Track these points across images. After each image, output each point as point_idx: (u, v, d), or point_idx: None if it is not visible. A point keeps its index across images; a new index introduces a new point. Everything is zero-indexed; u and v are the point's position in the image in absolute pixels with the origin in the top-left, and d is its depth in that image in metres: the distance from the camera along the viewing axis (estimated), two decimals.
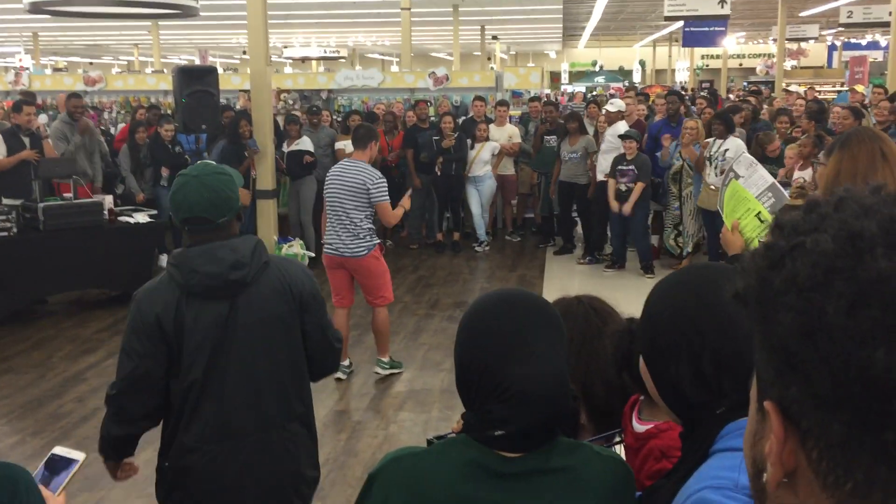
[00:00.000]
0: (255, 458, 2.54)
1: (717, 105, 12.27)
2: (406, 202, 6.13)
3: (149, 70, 26.38)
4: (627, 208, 8.70)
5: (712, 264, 1.48)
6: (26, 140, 8.31)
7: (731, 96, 18.03)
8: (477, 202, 10.44)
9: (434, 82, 12.95)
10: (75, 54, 36.76)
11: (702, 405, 1.26)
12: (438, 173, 10.25)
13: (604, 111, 10.15)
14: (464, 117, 11.61)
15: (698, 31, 17.42)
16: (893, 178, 2.81)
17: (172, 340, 2.43)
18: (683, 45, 21.45)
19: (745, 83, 27.33)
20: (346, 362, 6.14)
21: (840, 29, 24.98)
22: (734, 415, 1.23)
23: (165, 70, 20.89)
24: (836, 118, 8.90)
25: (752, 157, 3.14)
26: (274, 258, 2.65)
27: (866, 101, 10.03)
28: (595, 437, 1.85)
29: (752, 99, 12.37)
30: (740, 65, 38.37)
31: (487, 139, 10.36)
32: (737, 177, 2.94)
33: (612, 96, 13.81)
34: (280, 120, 9.99)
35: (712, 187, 8.27)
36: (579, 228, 10.48)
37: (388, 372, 6.16)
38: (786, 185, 3.81)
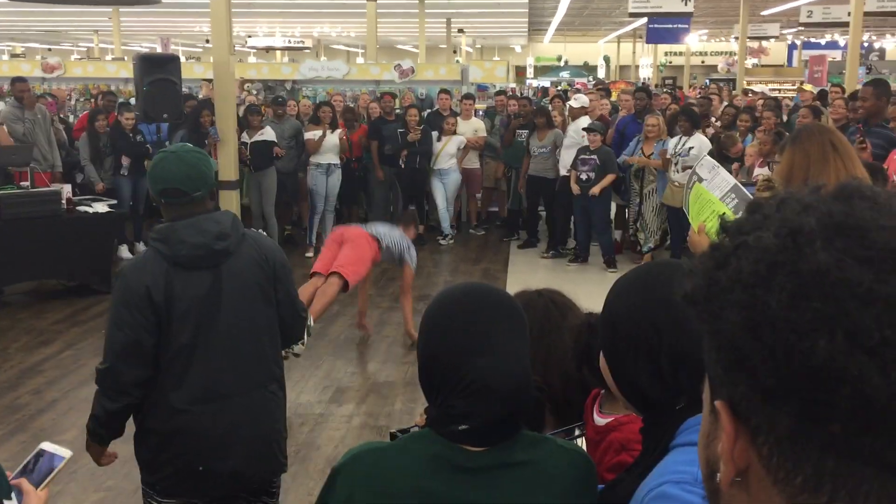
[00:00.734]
0: (240, 417, 2.69)
1: (679, 102, 12.39)
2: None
3: (109, 57, 25.93)
4: (596, 190, 8.75)
5: (670, 261, 1.49)
6: None
7: (690, 95, 18.22)
8: (442, 195, 10.44)
9: (400, 75, 12.92)
10: (33, 40, 35.98)
11: (660, 401, 1.27)
12: (402, 166, 10.22)
13: (567, 107, 10.22)
14: (429, 110, 11.59)
15: (662, 28, 17.58)
16: (846, 168, 2.89)
17: (162, 310, 2.57)
18: (647, 42, 21.63)
19: (707, 80, 27.64)
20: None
21: (800, 28, 25.38)
22: (693, 410, 1.24)
23: (126, 58, 20.53)
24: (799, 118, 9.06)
25: (713, 161, 3.19)
26: (248, 232, 2.83)
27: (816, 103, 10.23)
28: (556, 430, 1.86)
29: (714, 98, 12.48)
30: (703, 62, 38.78)
31: (455, 133, 10.36)
32: (700, 180, 2.99)
33: (577, 91, 13.86)
34: (240, 110, 9.87)
35: (676, 184, 8.37)
36: (543, 223, 10.53)
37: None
38: (747, 185, 3.86)
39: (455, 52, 30.81)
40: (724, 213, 2.79)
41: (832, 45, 29.51)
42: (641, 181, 9.09)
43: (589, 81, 27.76)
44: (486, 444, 1.35)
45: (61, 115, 11.49)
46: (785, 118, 10.06)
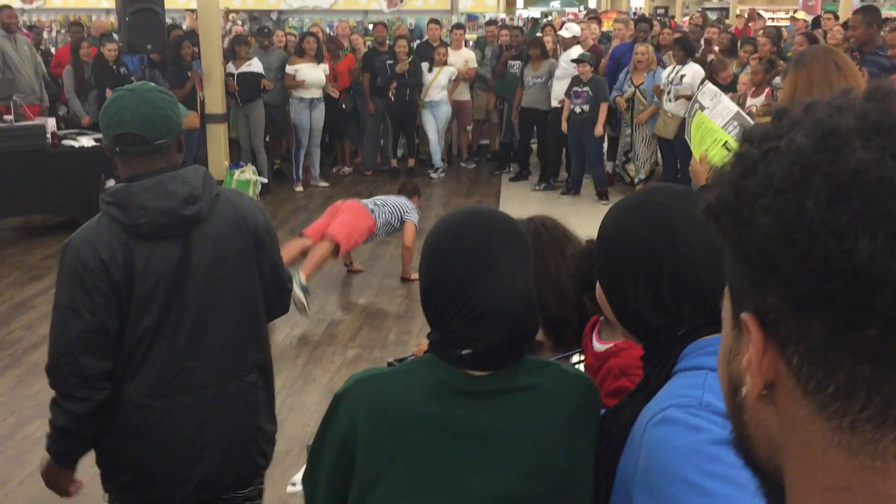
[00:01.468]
0: (211, 413, 2.27)
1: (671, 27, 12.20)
2: None
3: None
4: (599, 129, 8.68)
5: (665, 186, 1.45)
6: None
7: (683, 24, 17.91)
8: (433, 128, 10.32)
9: (388, 4, 12.67)
10: None
11: (662, 328, 1.26)
12: (392, 98, 10.08)
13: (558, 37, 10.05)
14: (418, 41, 11.38)
15: None
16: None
17: (122, 289, 2.14)
18: None
19: (699, 9, 27.19)
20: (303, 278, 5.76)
21: None
22: (694, 335, 1.24)
23: None
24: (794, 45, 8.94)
25: (715, 88, 3.14)
26: (223, 190, 2.36)
27: (809, 31, 10.08)
28: (556, 356, 1.87)
29: (711, 30, 12.23)
30: None
31: (446, 63, 10.19)
32: (701, 108, 2.95)
33: (569, 21, 13.62)
34: (224, 41, 9.66)
35: (669, 115, 8.30)
36: (535, 155, 10.47)
37: (297, 290, 5.53)
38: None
39: None
40: (726, 142, 2.76)
41: None
42: (632, 111, 9.01)
43: (580, 11, 27.24)
44: (489, 369, 1.34)
45: (41, 47, 11.22)
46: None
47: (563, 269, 1.88)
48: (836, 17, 10.60)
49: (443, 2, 12.82)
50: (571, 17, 22.49)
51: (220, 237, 2.25)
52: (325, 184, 10.02)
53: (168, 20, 9.73)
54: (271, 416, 2.48)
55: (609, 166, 9.80)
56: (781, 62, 7.62)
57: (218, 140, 9.00)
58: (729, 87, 7.92)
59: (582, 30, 10.12)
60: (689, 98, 7.98)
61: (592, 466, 1.32)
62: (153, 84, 2.31)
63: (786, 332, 0.56)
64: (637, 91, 8.85)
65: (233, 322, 2.30)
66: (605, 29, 12.80)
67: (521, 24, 20.25)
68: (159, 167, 2.17)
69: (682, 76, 8.18)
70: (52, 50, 12.26)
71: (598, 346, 1.79)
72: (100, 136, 8.43)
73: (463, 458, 1.30)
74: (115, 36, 9.67)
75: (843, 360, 0.53)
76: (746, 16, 15.01)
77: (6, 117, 7.77)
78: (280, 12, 13.28)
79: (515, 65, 10.10)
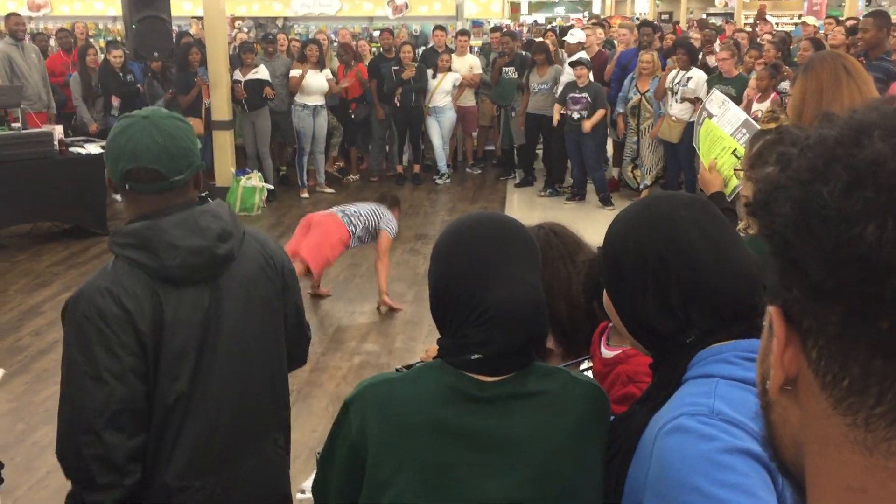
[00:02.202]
0: (253, 485, 1.99)
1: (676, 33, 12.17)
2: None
3: None
4: (587, 126, 8.70)
5: (671, 193, 1.45)
6: None
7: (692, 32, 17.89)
8: (438, 134, 10.34)
9: (393, 11, 12.71)
10: None
11: (670, 336, 1.26)
12: (398, 104, 10.10)
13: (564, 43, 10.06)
14: (423, 47, 11.41)
15: None
16: (860, 91, 2.85)
17: (150, 347, 1.79)
18: None
19: (703, 14, 27.17)
20: None
21: None
22: (703, 343, 1.24)
23: None
24: (799, 47, 8.95)
25: (723, 96, 3.14)
26: (247, 229, 2.07)
27: (819, 34, 10.08)
28: (565, 363, 1.87)
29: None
30: None
31: (450, 69, 10.21)
32: (710, 116, 2.95)
33: (572, 27, 13.65)
34: (230, 48, 9.70)
35: (674, 119, 8.31)
36: (540, 161, 10.47)
37: None
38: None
39: None
40: (734, 149, 2.75)
41: None
42: (638, 118, 9.02)
43: (584, 17, 27.25)
44: (498, 374, 1.35)
45: (48, 54, 11.26)
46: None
47: (573, 276, 1.89)
48: (838, 22, 10.61)
49: (448, 8, 12.86)
50: (575, 22, 22.51)
51: (249, 280, 1.97)
52: (331, 190, 10.04)
53: (174, 27, 9.79)
54: (288, 480, 2.20)
55: (615, 171, 9.80)
56: (787, 68, 7.62)
57: (224, 147, 9.03)
58: (734, 81, 7.92)
59: (587, 35, 10.13)
60: (694, 101, 7.99)
61: (601, 473, 1.32)
62: (166, 110, 1.99)
63: (807, 325, 0.57)
64: (643, 98, 8.86)
65: (266, 377, 2.02)
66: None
67: (524, 29, 20.28)
68: (175, 204, 1.86)
69: (689, 78, 8.21)
70: None
71: (607, 352, 1.79)
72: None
73: (471, 463, 1.30)
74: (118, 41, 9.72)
75: (859, 352, 0.54)
76: (755, 14, 14.96)
77: (14, 125, 7.81)
78: (286, 19, 13.32)
79: (510, 71, 10.11)
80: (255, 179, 9.04)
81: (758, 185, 0.63)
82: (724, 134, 2.81)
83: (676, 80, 8.33)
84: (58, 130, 7.99)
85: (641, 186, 9.06)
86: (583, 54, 9.40)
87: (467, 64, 10.55)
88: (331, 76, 9.76)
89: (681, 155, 8.31)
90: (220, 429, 1.91)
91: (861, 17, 7.93)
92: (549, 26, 20.86)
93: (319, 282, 6.34)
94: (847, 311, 0.53)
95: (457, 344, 1.35)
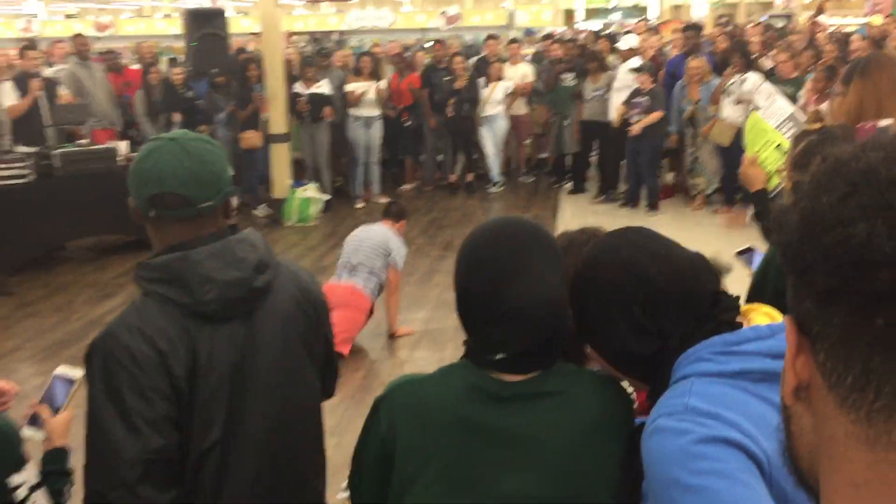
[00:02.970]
0: None
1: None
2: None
3: (159, 15, 26.13)
4: (636, 129, 8.66)
5: (590, 231, 1.66)
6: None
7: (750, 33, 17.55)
8: (491, 142, 10.38)
9: (446, 21, 12.81)
10: (86, 0, 36.38)
11: (653, 354, 1.30)
12: (450, 114, 10.18)
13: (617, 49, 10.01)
14: (476, 57, 11.47)
15: None
16: None
17: (184, 392, 1.63)
18: None
19: (764, 16, 26.66)
20: None
21: None
22: (682, 350, 1.28)
23: (174, 14, 20.69)
24: (854, 47, 8.75)
25: (772, 87, 3.09)
26: (280, 260, 1.89)
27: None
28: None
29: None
30: None
31: (500, 78, 10.25)
32: (756, 107, 2.92)
33: (627, 33, 13.54)
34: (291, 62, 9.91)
35: (726, 121, 8.19)
36: (594, 168, 10.42)
37: None
38: None
39: None
40: (779, 144, 2.72)
41: None
42: (694, 128, 8.90)
43: (641, 23, 26.98)
44: (521, 373, 1.38)
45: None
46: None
47: None
48: None
49: (500, 17, 12.92)
50: (632, 28, 22.31)
51: (285, 314, 1.79)
52: (386, 199, 10.14)
53: (233, 43, 10.05)
54: None
55: (670, 177, 9.69)
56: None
57: (281, 159, 9.22)
58: (793, 82, 7.78)
59: (642, 41, 10.06)
60: (749, 103, 7.87)
61: (619, 473, 1.34)
62: (192, 133, 1.81)
63: (816, 330, 0.60)
64: (696, 108, 8.73)
65: (304, 419, 1.86)
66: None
67: (580, 36, 20.17)
68: (204, 234, 1.70)
69: (743, 80, 8.07)
70: None
71: None
72: None
73: (494, 461, 1.34)
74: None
75: (859, 351, 0.56)
76: (813, 13, 14.60)
77: (81, 141, 8.11)
78: (341, 33, 13.54)
79: (568, 77, 10.09)
80: (311, 190, 9.22)
81: (773, 211, 0.67)
82: (769, 127, 2.77)
83: (731, 82, 8.21)
84: (123, 146, 8.28)
85: (709, 191, 8.95)
86: (637, 60, 9.33)
87: (520, 72, 10.58)
88: (383, 87, 9.90)
89: (732, 158, 8.18)
90: (260, 480, 1.73)
91: None
92: (604, 32, 20.75)
93: (395, 325, 6.00)
94: (848, 311, 0.56)
95: (481, 344, 1.40)
